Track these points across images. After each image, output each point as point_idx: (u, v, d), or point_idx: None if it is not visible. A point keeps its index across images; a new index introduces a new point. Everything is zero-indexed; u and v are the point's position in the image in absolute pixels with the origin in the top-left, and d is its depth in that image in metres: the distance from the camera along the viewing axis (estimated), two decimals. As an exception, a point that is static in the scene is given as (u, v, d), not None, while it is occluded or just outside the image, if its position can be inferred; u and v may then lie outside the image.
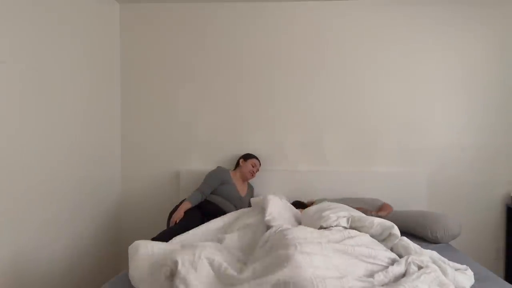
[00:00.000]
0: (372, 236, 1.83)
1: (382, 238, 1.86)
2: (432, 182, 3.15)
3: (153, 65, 3.33)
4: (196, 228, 2.18)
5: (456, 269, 1.66)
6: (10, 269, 2.15)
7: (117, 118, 3.33)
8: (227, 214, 2.37)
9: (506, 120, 3.13)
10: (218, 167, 3.02)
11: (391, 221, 1.93)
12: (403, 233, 2.16)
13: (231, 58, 3.29)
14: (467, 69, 3.15)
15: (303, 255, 1.44)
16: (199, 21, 3.30)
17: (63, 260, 2.60)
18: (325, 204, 2.22)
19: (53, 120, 2.48)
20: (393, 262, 1.63)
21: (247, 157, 3.08)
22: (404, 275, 1.53)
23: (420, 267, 1.56)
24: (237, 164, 3.10)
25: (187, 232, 2.13)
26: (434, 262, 1.64)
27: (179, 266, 1.51)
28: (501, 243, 3.16)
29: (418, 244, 1.82)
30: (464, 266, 1.70)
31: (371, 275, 1.52)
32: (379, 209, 2.77)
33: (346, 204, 2.33)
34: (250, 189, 3.12)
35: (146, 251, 1.72)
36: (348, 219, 1.88)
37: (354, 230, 1.79)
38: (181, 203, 2.73)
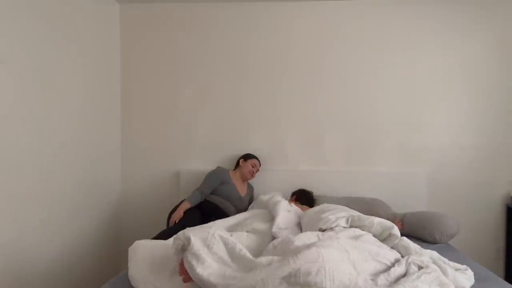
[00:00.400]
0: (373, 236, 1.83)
1: (382, 238, 1.86)
2: (432, 182, 3.15)
3: (153, 65, 3.33)
4: (203, 225, 2.17)
5: (456, 269, 1.66)
6: (10, 269, 2.15)
7: (117, 118, 3.33)
8: (236, 215, 2.35)
9: (506, 120, 3.13)
10: (218, 167, 3.02)
11: (398, 222, 1.92)
12: (402, 234, 2.16)
13: (231, 58, 3.29)
14: (467, 69, 3.15)
15: (317, 248, 1.44)
16: (199, 21, 3.30)
17: (63, 259, 2.60)
18: (324, 205, 2.22)
19: (53, 120, 2.48)
20: (396, 261, 1.63)
21: (247, 157, 3.08)
22: (404, 275, 1.53)
23: (420, 267, 1.56)
24: (237, 164, 3.10)
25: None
26: (434, 262, 1.64)
27: (192, 241, 1.47)
28: (501, 243, 3.16)
29: (418, 245, 1.82)
30: (464, 266, 1.70)
31: (376, 274, 1.52)
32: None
33: (345, 204, 2.33)
34: (250, 189, 3.12)
35: (145, 252, 1.72)
36: (347, 219, 1.88)
37: (357, 229, 1.79)
38: (181, 203, 2.73)
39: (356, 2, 3.19)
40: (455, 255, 2.09)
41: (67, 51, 2.62)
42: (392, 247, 1.80)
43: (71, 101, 2.67)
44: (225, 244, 1.53)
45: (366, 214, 2.08)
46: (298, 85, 3.25)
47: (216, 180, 2.88)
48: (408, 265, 1.56)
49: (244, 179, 3.04)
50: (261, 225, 2.13)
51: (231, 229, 2.18)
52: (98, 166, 3.03)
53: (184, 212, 2.62)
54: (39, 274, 2.37)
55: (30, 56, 2.27)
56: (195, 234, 1.50)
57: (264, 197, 2.42)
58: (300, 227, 2.17)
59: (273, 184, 3.14)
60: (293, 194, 2.99)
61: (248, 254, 1.49)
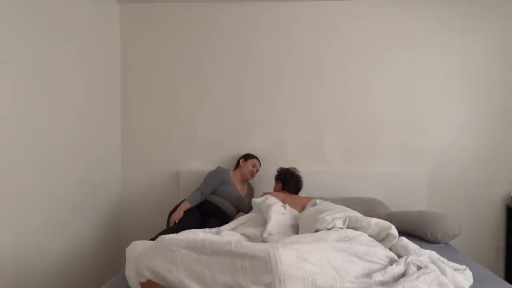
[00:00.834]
0: (370, 236, 1.83)
1: (380, 239, 1.85)
2: (432, 182, 3.15)
3: (153, 65, 3.33)
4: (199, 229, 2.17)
5: (455, 269, 1.66)
6: (11, 269, 2.15)
7: (117, 118, 3.33)
8: (231, 222, 2.33)
9: (506, 120, 3.13)
10: (218, 167, 3.02)
11: (389, 221, 1.92)
12: (402, 233, 2.16)
13: (231, 58, 3.29)
14: (467, 69, 3.15)
15: (297, 252, 1.45)
16: (199, 21, 3.30)
17: (63, 260, 2.61)
18: (321, 205, 2.21)
19: (53, 120, 2.48)
20: (391, 261, 1.63)
21: (247, 157, 3.08)
22: (403, 275, 1.53)
23: (419, 267, 1.56)
24: (237, 164, 3.10)
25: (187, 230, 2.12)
26: (433, 262, 1.64)
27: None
28: (501, 243, 3.16)
29: (417, 244, 1.82)
30: (463, 266, 1.70)
31: (370, 274, 1.52)
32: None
33: (345, 204, 2.31)
34: (250, 189, 3.12)
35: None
36: (344, 220, 1.87)
37: (351, 230, 1.79)
38: (181, 203, 2.73)
39: (356, 2, 3.19)
40: (455, 255, 2.08)
41: (67, 51, 2.62)
42: (391, 247, 1.80)
43: (71, 101, 2.67)
44: (192, 248, 1.54)
45: (364, 213, 2.08)
46: (298, 85, 3.25)
47: (216, 180, 2.88)
48: (407, 265, 1.56)
49: (244, 179, 3.04)
50: (252, 230, 2.12)
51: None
52: (98, 166, 3.03)
53: (184, 212, 2.62)
54: (39, 274, 2.38)
55: (30, 56, 2.28)
56: (155, 266, 1.53)
57: (257, 200, 2.39)
58: (296, 228, 2.16)
59: (272, 184, 3.14)
60: (277, 179, 2.90)
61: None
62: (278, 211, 2.16)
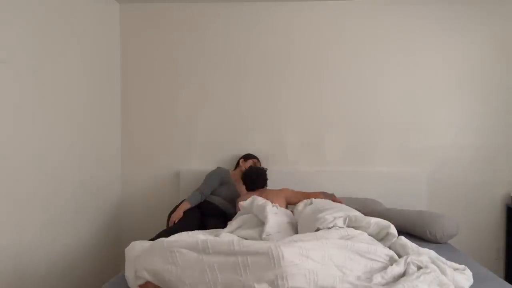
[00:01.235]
0: (370, 235, 1.83)
1: (380, 238, 1.86)
2: (432, 182, 3.15)
3: (153, 65, 3.33)
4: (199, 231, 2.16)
5: (455, 269, 1.66)
6: (11, 269, 2.15)
7: (117, 118, 3.33)
8: (227, 227, 2.31)
9: (506, 120, 3.13)
10: (218, 167, 3.02)
11: (389, 220, 1.93)
12: (401, 232, 2.16)
13: (231, 58, 3.29)
14: (467, 69, 3.15)
15: (299, 249, 1.45)
16: (199, 21, 3.30)
17: (64, 260, 2.61)
18: (319, 204, 2.20)
19: (53, 121, 2.48)
20: (391, 259, 1.63)
21: (247, 157, 3.08)
22: (403, 275, 1.53)
23: (419, 267, 1.56)
24: (237, 164, 3.10)
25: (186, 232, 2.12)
26: (433, 262, 1.64)
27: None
28: (501, 243, 3.16)
29: (417, 244, 1.82)
30: (463, 266, 1.69)
31: (370, 272, 1.52)
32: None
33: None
34: (250, 189, 3.12)
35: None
36: (344, 220, 1.87)
37: (351, 229, 1.80)
38: (181, 203, 2.73)
39: (356, 2, 3.19)
40: (455, 255, 2.08)
41: (67, 51, 2.62)
42: (389, 246, 1.80)
43: (71, 101, 2.67)
44: (193, 249, 1.54)
45: (361, 210, 2.08)
46: (298, 85, 3.25)
47: (216, 180, 2.87)
48: (407, 265, 1.56)
49: (244, 179, 3.03)
50: (248, 232, 2.11)
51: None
52: (98, 167, 3.03)
53: (184, 212, 2.61)
54: (40, 275, 2.38)
55: (30, 56, 2.28)
56: (154, 268, 1.53)
57: (245, 203, 2.34)
58: (293, 225, 2.16)
59: (273, 184, 3.13)
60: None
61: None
62: (272, 211, 2.16)
